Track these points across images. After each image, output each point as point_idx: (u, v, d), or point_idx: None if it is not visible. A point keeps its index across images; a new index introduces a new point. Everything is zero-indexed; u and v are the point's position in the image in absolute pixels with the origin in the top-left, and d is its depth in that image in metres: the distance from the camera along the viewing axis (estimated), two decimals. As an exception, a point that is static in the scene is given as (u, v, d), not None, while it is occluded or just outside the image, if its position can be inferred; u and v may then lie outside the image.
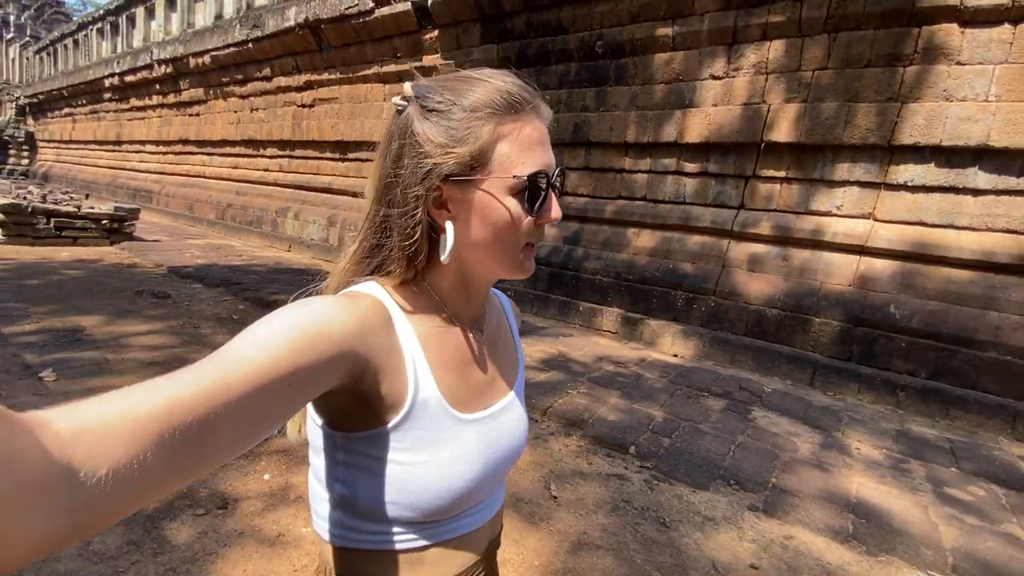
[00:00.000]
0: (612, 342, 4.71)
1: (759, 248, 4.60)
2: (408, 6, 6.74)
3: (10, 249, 6.55)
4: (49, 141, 19.95)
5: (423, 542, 0.54)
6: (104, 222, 7.67)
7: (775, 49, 4.46)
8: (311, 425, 0.55)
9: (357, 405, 0.50)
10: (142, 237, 8.40)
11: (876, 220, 4.15)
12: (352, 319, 0.48)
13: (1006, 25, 3.59)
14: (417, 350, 0.53)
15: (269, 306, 4.88)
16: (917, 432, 3.16)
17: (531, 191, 0.52)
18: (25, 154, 21.24)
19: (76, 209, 7.48)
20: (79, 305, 4.33)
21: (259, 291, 5.24)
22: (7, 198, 7.20)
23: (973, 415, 3.43)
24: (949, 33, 3.77)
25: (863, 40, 4.07)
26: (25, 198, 7.47)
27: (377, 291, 0.54)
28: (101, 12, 16.22)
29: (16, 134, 20.77)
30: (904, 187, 4.03)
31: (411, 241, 0.53)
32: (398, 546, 0.54)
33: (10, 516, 0.25)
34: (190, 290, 5.31)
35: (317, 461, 0.55)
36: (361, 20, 7.38)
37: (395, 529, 0.53)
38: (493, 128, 0.51)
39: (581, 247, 5.53)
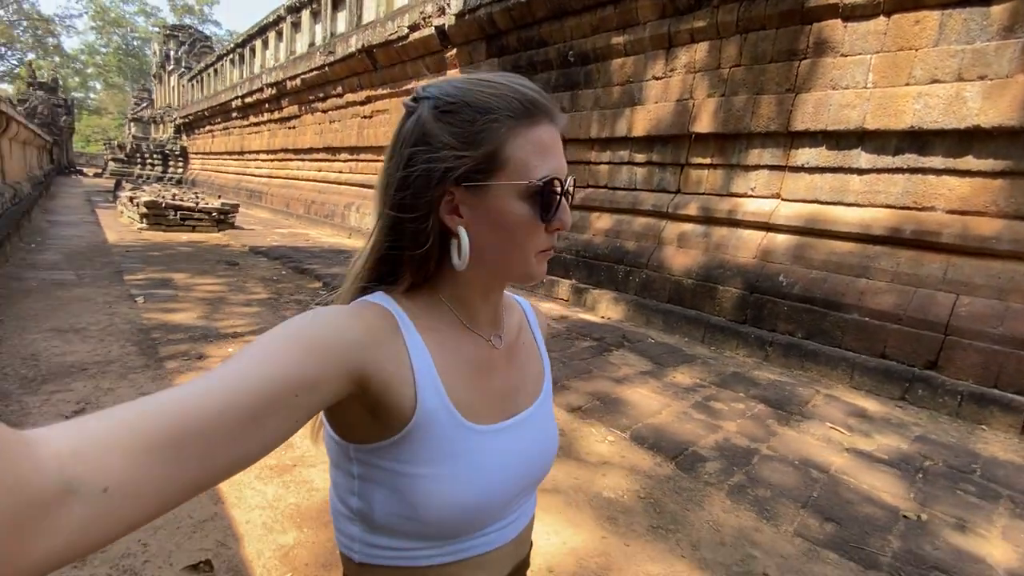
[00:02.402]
0: (560, 307, 5.57)
1: (687, 227, 5.21)
2: (432, 31, 8.02)
3: (148, 233, 8.88)
4: (196, 153, 24.38)
5: (445, 559, 0.52)
6: (214, 214, 9.90)
7: (700, 50, 5.05)
8: (328, 439, 0.54)
9: (367, 416, 0.48)
10: (242, 227, 10.60)
11: (782, 199, 4.62)
12: (357, 329, 0.47)
13: (881, 17, 3.95)
14: (426, 359, 0.51)
15: (304, 272, 6.41)
16: (746, 374, 3.74)
17: (545, 197, 0.51)
18: (180, 165, 26.04)
19: (195, 205, 9.78)
20: (176, 267, 6.14)
21: (302, 263, 6.82)
22: (150, 196, 9.64)
23: (822, 367, 3.88)
24: (834, 28, 4.18)
25: (767, 39, 4.56)
26: (162, 197, 9.91)
27: (385, 300, 0.53)
28: (232, 45, 19.68)
29: (174, 148, 25.55)
30: (803, 168, 4.47)
31: (422, 247, 0.52)
32: (418, 563, 0.52)
33: (8, 536, 0.25)
34: (255, 261, 7.03)
35: (335, 475, 0.55)
36: (400, 43, 8.82)
37: (414, 545, 0.51)
38: (508, 131, 0.49)
39: (554, 229, 6.41)
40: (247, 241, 8.74)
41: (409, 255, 0.53)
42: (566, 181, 0.52)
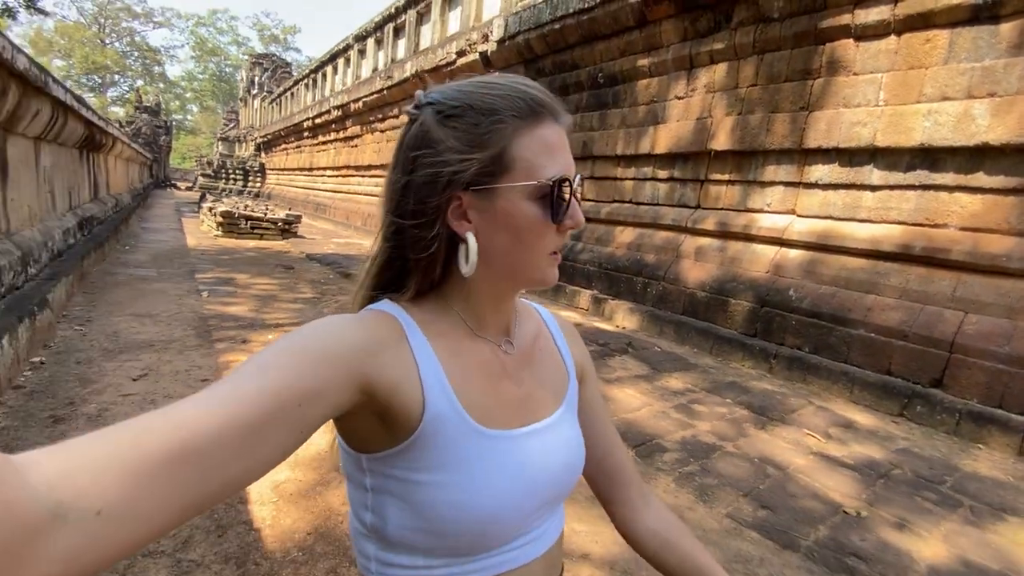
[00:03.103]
0: (579, 316, 5.80)
1: (705, 241, 5.32)
2: (477, 56, 8.58)
3: (223, 240, 9.92)
4: (272, 169, 26.51)
5: None
6: (279, 224, 10.90)
7: (719, 71, 5.20)
8: (342, 452, 0.53)
9: (376, 424, 0.48)
10: (304, 236, 11.56)
11: (796, 215, 4.67)
12: (360, 336, 0.47)
13: (892, 37, 4.00)
14: (434, 363, 0.50)
15: (348, 277, 7.02)
16: (743, 383, 3.82)
17: (555, 197, 0.49)
18: (258, 180, 28.37)
19: (263, 215, 10.81)
20: (240, 269, 6.92)
21: (348, 269, 7.45)
22: (225, 207, 10.77)
23: (823, 380, 3.89)
24: (846, 48, 4.25)
25: (782, 59, 4.67)
26: (236, 208, 11.03)
27: (390, 307, 0.52)
28: (306, 71, 21.44)
29: (253, 165, 27.91)
30: (816, 185, 4.51)
31: (429, 254, 0.51)
32: None
33: (0, 565, 0.24)
34: (309, 266, 7.75)
35: (350, 491, 0.54)
36: (448, 68, 9.46)
37: (430, 562, 0.50)
38: (514, 132, 0.49)
39: (581, 242, 6.67)
40: (306, 249, 9.57)
41: (415, 261, 0.52)
42: (575, 180, 0.51)
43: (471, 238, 0.50)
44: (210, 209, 11.45)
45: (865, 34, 4.12)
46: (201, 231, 11.12)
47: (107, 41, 50.22)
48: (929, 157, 3.84)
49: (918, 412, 3.42)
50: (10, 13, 17.98)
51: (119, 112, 40.86)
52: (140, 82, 51.06)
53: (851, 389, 3.73)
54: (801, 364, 4.05)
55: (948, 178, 3.75)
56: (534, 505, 0.53)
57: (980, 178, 3.61)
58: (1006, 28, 3.48)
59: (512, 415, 0.54)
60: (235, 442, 0.35)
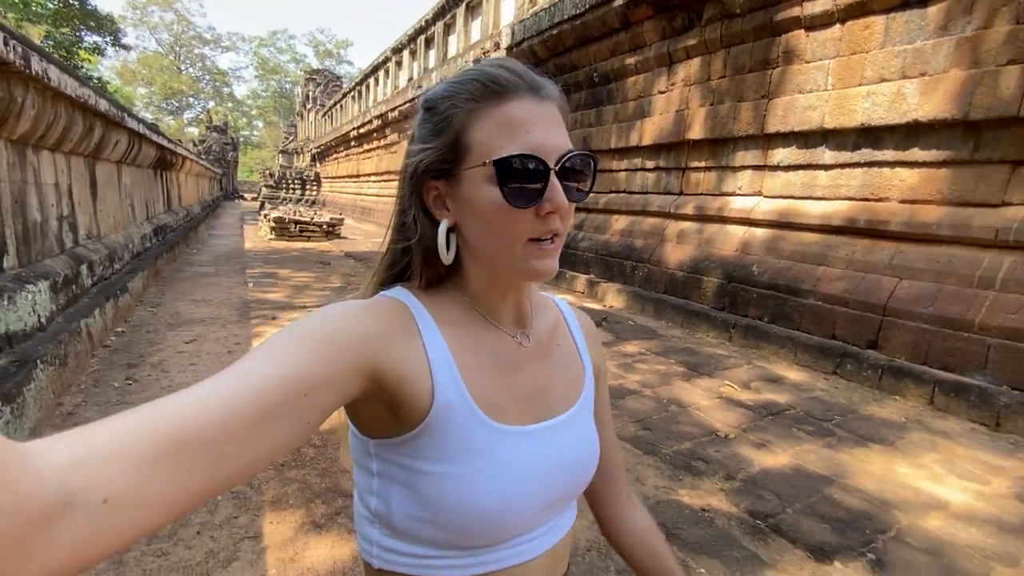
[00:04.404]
0: (573, 298, 6.32)
1: (686, 225, 5.71)
2: (491, 62, 9.22)
3: (275, 242, 11.13)
4: (325, 178, 28.38)
5: (466, 571, 0.50)
6: (324, 227, 12.03)
7: (694, 65, 5.58)
8: (352, 439, 0.53)
9: (385, 411, 0.48)
10: (347, 237, 12.65)
11: (763, 196, 4.99)
12: (368, 323, 0.46)
13: (836, 25, 4.28)
14: (444, 352, 0.50)
15: (375, 270, 7.87)
16: (696, 348, 4.24)
17: (511, 176, 0.46)
18: (314, 188, 30.40)
19: (310, 219, 11.98)
20: (284, 265, 7.94)
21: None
22: (277, 213, 12.01)
23: (773, 346, 4.24)
24: (798, 38, 4.55)
25: (745, 51, 5.01)
26: (286, 214, 12.26)
27: (402, 294, 0.52)
28: (353, 84, 22.90)
29: (309, 174, 29.94)
30: (779, 167, 4.83)
31: (419, 242, 0.52)
32: (438, 573, 0.50)
33: (9, 551, 0.24)
34: (344, 262, 8.69)
35: (357, 475, 0.54)
36: (468, 75, 10.17)
37: (434, 553, 0.49)
38: (468, 115, 0.48)
39: (582, 231, 7.17)
40: (346, 248, 10.59)
41: (417, 252, 0.53)
42: (558, 157, 0.47)
43: (442, 225, 0.50)
44: (265, 216, 12.78)
45: (814, 24, 4.42)
46: (258, 236, 12.45)
47: (182, 68, 55.04)
48: (871, 136, 4.11)
49: (848, 370, 3.74)
50: (99, 51, 20.47)
51: (194, 132, 44.77)
52: (211, 103, 55.57)
53: (795, 352, 4.08)
54: (756, 332, 4.41)
55: (888, 155, 4.02)
56: (541, 504, 0.52)
57: (916, 153, 3.87)
58: (933, 11, 3.72)
59: (524, 410, 0.53)
60: (242, 431, 0.34)
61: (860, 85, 4.11)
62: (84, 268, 4.16)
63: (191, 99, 56.11)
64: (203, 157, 22.99)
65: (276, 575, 1.59)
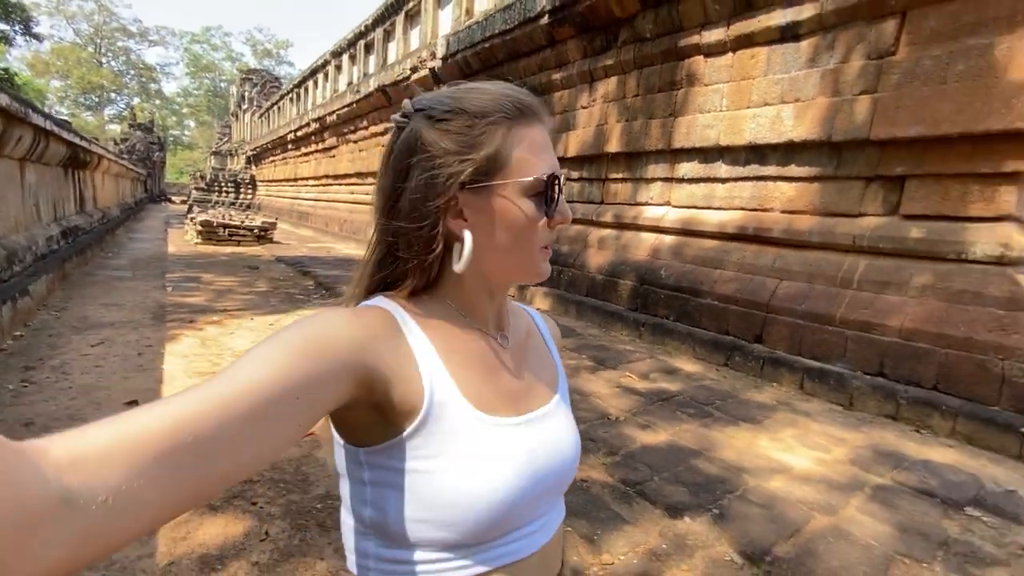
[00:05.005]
0: (503, 301, 6.55)
1: (605, 232, 6.08)
2: (427, 72, 9.39)
3: (202, 247, 10.71)
4: (261, 181, 27.38)
5: (466, 572, 0.50)
6: (255, 231, 11.69)
7: (612, 84, 5.99)
8: (336, 450, 0.54)
9: (375, 417, 0.49)
10: (280, 242, 12.34)
11: (671, 206, 5.43)
12: (355, 329, 0.47)
13: (729, 54, 4.77)
14: (432, 355, 0.51)
15: (306, 274, 7.78)
16: (608, 345, 4.56)
17: (547, 192, 0.52)
18: (249, 192, 29.22)
19: (240, 223, 11.60)
20: (209, 270, 7.69)
21: (307, 268, 8.22)
22: (204, 217, 11.56)
23: (676, 342, 4.63)
24: (699, 63, 5.03)
25: (655, 73, 5.45)
26: (214, 217, 11.82)
27: (385, 303, 0.54)
28: (291, 86, 22.34)
29: (245, 177, 28.77)
30: (684, 180, 5.28)
31: (429, 254, 0.53)
32: None
33: (8, 549, 0.24)
34: (274, 266, 8.52)
35: (345, 488, 0.54)
36: (405, 83, 10.28)
37: (434, 556, 0.49)
38: (507, 132, 0.52)
39: (512, 237, 7.44)
40: (278, 252, 10.35)
41: (413, 261, 0.53)
42: (561, 177, 0.54)
43: (468, 236, 0.52)
44: (192, 219, 12.25)
45: (711, 51, 4.90)
46: (183, 240, 11.91)
47: (103, 61, 51.42)
48: (758, 153, 4.60)
49: (737, 361, 4.16)
50: (7, 40, 18.92)
51: (116, 129, 41.91)
52: (136, 100, 52.20)
53: (694, 347, 4.48)
54: (662, 329, 4.80)
55: (772, 170, 4.51)
56: (537, 493, 0.53)
57: (793, 169, 4.37)
58: (804, 45, 4.25)
59: (511, 404, 0.55)
60: (235, 434, 0.35)
61: (748, 107, 4.61)
62: (-22, 269, 3.95)
63: (113, 95, 52.50)
64: (125, 157, 21.64)
65: (166, 551, 1.67)
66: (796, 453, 2.68)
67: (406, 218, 0.53)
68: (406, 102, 0.55)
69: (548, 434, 0.57)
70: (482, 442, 0.51)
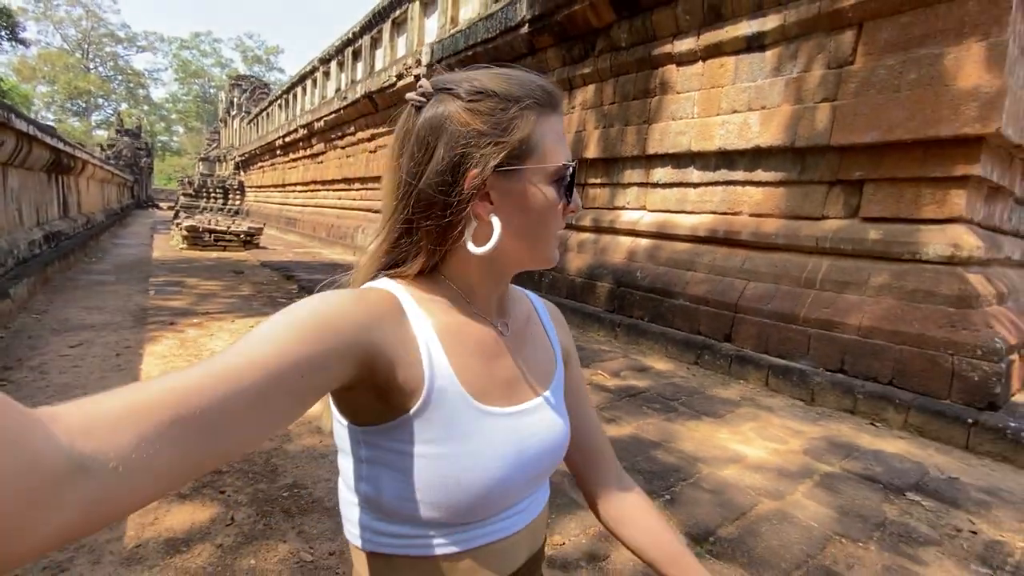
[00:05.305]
0: (485, 304, 6.65)
1: (584, 236, 6.21)
2: (413, 78, 9.50)
3: (188, 252, 10.70)
4: (250, 187, 27.32)
5: (455, 548, 0.52)
6: (241, 236, 11.70)
7: (589, 91, 6.13)
8: (336, 426, 0.55)
9: (375, 398, 0.49)
10: (267, 247, 12.35)
11: (646, 210, 5.57)
12: (360, 310, 0.48)
13: (699, 63, 4.93)
14: (433, 339, 0.52)
15: (290, 279, 7.82)
16: (584, 345, 4.67)
17: (568, 180, 0.54)
18: (238, 197, 29.10)
19: (226, 228, 11.61)
20: (193, 274, 7.71)
21: (292, 272, 8.27)
22: (190, 222, 11.56)
23: (649, 341, 4.75)
24: (671, 72, 5.18)
25: (630, 81, 5.60)
26: (200, 222, 11.82)
27: (390, 285, 0.54)
28: (280, 92, 22.38)
29: (233, 183, 28.66)
30: (658, 185, 5.42)
31: (449, 237, 0.53)
32: (429, 552, 0.52)
33: (24, 511, 0.25)
34: (259, 271, 8.56)
35: (343, 463, 0.55)
36: (391, 89, 10.40)
37: (424, 532, 0.51)
38: (536, 118, 0.52)
39: (495, 241, 7.54)
40: (263, 257, 10.37)
41: (430, 242, 0.53)
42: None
43: (496, 221, 0.52)
44: (178, 225, 12.23)
45: (683, 60, 5.06)
46: (169, 245, 11.88)
47: (91, 67, 51.10)
48: (727, 158, 4.75)
49: (706, 360, 4.28)
50: (-9, 45, 18.83)
51: (103, 135, 41.61)
52: (124, 105, 51.86)
53: (666, 347, 4.59)
54: (636, 330, 4.91)
55: (740, 175, 4.66)
56: (524, 479, 0.55)
57: (760, 174, 4.53)
58: (770, 54, 4.41)
59: (507, 393, 0.56)
60: (240, 408, 0.36)
61: (718, 115, 4.76)
62: (-43, 271, 3.98)
63: (100, 100, 52.15)
64: (111, 162, 21.53)
65: (134, 535, 1.73)
66: (753, 445, 2.79)
67: (428, 200, 0.52)
68: (425, 81, 0.54)
69: (540, 424, 0.58)
70: (477, 432, 0.52)
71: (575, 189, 0.55)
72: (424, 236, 0.53)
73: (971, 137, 3.31)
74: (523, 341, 0.61)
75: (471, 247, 0.52)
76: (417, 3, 11.22)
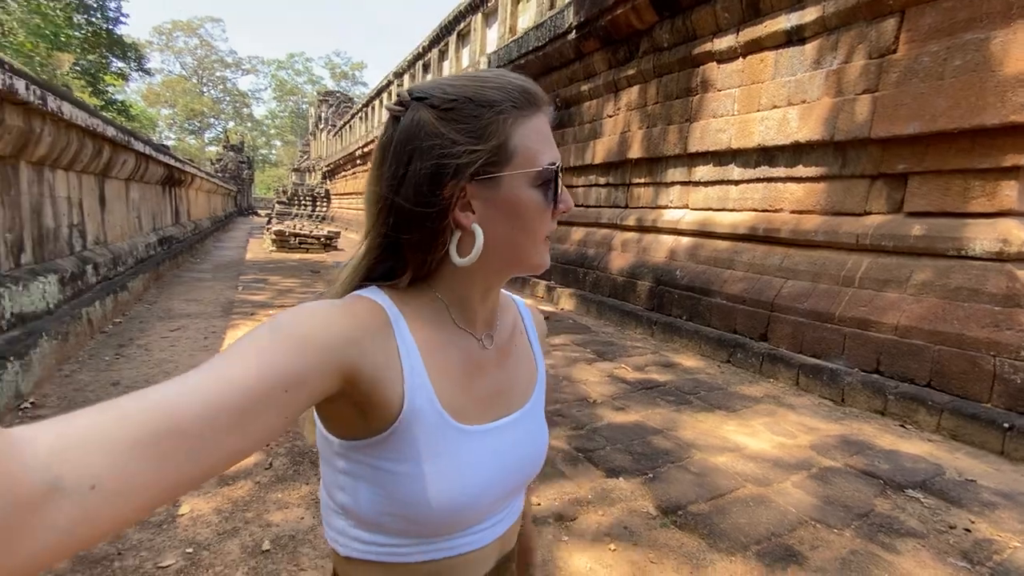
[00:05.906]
0: (535, 302, 6.90)
1: (628, 235, 6.29)
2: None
3: (276, 254, 11.92)
4: (334, 195, 29.47)
5: (428, 557, 0.53)
6: (322, 239, 12.81)
7: (634, 92, 6.21)
8: (319, 437, 0.55)
9: (355, 413, 0.49)
10: (343, 249, 13.41)
11: (688, 209, 5.57)
12: (347, 324, 0.47)
13: (739, 59, 4.89)
14: (416, 357, 0.51)
15: (359, 278, 8.53)
16: (616, 341, 4.78)
17: (552, 182, 0.52)
18: (324, 204, 31.45)
19: (309, 233, 12.77)
20: (277, 272, 8.66)
21: (362, 271, 9.02)
22: (278, 227, 12.83)
23: (684, 339, 4.77)
24: (712, 69, 5.17)
25: (673, 80, 5.63)
26: (287, 227, 13.08)
27: (378, 296, 0.53)
28: (360, 106, 24.01)
29: (320, 192, 31.06)
30: (700, 183, 5.41)
31: (435, 249, 0.52)
32: (404, 559, 0.53)
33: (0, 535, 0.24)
34: (333, 270, 9.37)
35: (325, 471, 0.55)
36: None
37: (398, 542, 0.52)
38: (514, 122, 0.51)
39: (546, 242, 7.79)
40: (340, 258, 11.33)
41: (414, 254, 0.53)
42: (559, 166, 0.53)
43: (479, 231, 0.51)
44: (268, 229, 13.62)
45: (723, 58, 5.03)
46: (261, 248, 13.26)
47: (204, 90, 57.40)
48: (767, 155, 4.68)
49: (738, 358, 4.26)
50: (124, 76, 21.85)
51: (214, 151, 46.54)
52: (231, 123, 57.69)
53: (700, 344, 4.61)
54: (672, 328, 4.95)
55: (781, 171, 4.58)
56: (500, 494, 0.56)
57: (800, 170, 4.42)
58: (810, 47, 4.31)
59: (485, 409, 0.56)
60: (222, 423, 0.35)
61: (758, 111, 4.70)
62: (90, 268, 4.88)
63: (212, 119, 58.36)
64: (217, 175, 24.15)
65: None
66: (758, 438, 2.83)
67: (407, 210, 0.51)
68: (402, 91, 0.53)
69: (518, 439, 0.58)
70: (455, 451, 0.52)
71: (563, 188, 0.54)
72: (408, 248, 0.53)
73: (1019, 125, 3.10)
74: (507, 354, 0.61)
75: (455, 258, 0.52)
76: (479, 15, 11.72)
